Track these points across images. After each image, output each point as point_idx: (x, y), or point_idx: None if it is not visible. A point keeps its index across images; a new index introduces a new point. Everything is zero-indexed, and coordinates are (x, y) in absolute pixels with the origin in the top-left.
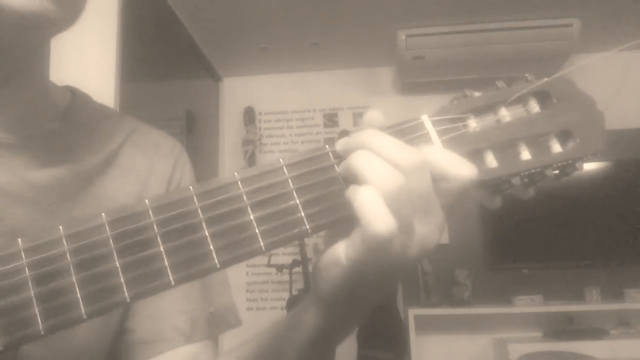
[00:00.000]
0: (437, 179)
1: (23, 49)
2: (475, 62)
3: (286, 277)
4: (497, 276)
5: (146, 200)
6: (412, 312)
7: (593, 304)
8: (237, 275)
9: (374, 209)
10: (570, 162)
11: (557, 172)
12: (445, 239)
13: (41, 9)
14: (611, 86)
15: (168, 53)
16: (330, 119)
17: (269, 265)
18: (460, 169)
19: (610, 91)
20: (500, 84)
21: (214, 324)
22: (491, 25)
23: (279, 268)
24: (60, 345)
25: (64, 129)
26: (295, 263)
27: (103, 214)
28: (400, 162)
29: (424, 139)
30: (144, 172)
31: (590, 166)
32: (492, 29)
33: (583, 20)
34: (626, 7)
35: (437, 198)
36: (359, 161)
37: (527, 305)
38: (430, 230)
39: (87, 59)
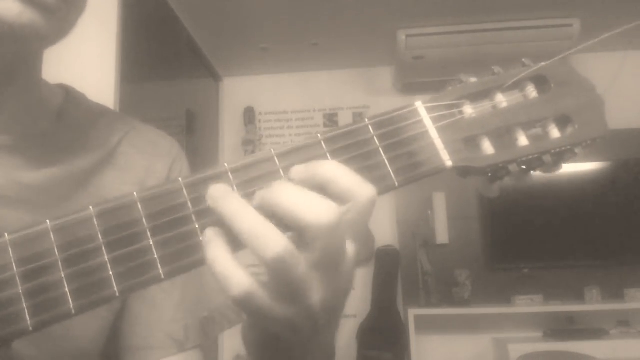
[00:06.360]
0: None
1: (14, 59)
2: (475, 62)
3: None
4: (497, 276)
5: (135, 193)
6: (412, 312)
7: (593, 304)
8: None
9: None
10: (568, 147)
11: (555, 158)
12: (445, 239)
13: (30, 23)
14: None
15: (168, 53)
16: (330, 119)
17: None
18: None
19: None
20: (496, 69)
21: (211, 326)
22: (491, 25)
23: None
24: (53, 347)
25: (58, 128)
26: None
27: (91, 207)
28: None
29: (418, 126)
30: (141, 172)
31: (590, 166)
32: (492, 29)
33: (583, 20)
34: (626, 7)
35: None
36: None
37: (527, 305)
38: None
39: (87, 59)
